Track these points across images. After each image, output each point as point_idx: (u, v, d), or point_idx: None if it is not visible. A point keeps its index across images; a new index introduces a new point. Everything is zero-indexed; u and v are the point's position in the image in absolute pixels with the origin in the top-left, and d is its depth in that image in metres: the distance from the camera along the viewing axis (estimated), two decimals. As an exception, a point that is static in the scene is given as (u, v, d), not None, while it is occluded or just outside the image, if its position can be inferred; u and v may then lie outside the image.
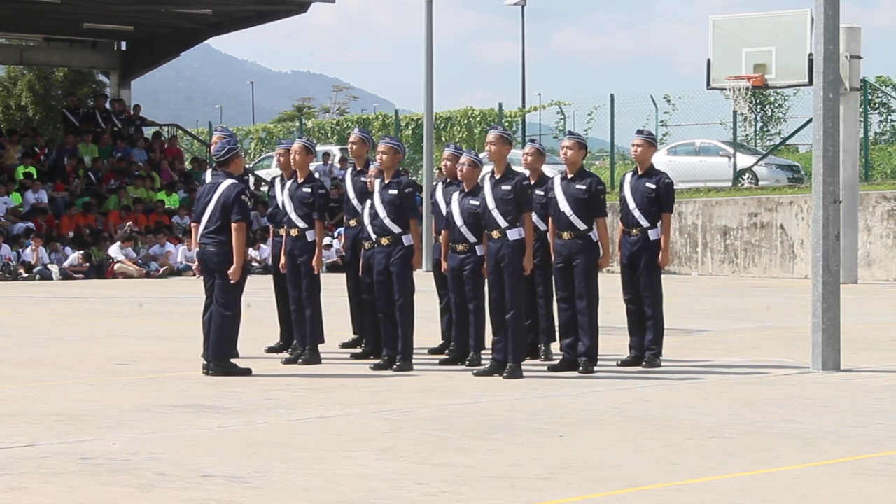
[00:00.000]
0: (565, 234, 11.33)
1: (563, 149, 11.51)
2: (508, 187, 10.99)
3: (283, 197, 12.19)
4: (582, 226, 11.27)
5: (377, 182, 11.65)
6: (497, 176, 11.11)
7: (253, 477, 6.93)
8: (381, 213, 11.48)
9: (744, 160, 31.61)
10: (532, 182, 11.59)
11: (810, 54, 23.34)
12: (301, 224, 11.97)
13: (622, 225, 11.81)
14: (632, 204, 11.68)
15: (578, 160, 11.46)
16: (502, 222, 10.98)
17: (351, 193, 12.56)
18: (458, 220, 11.32)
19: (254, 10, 34.88)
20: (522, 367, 10.96)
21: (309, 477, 6.95)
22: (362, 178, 12.30)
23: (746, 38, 26.37)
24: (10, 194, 29.90)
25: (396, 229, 11.47)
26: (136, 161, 33.82)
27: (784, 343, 13.78)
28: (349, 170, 12.87)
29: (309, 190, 11.99)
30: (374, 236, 11.57)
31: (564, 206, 11.32)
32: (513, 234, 10.96)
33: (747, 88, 26.80)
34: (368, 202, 11.71)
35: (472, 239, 11.28)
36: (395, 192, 11.49)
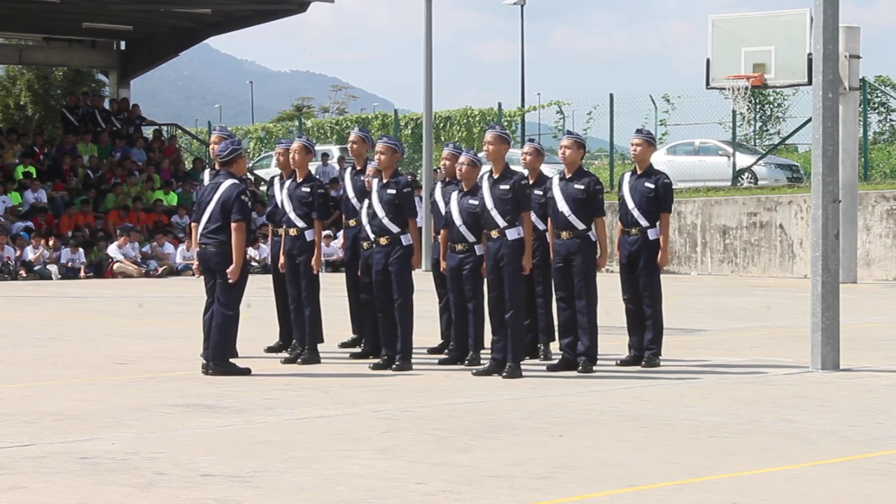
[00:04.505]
0: (564, 234, 11.32)
1: (561, 148, 11.51)
2: (507, 187, 10.99)
3: (282, 196, 12.19)
4: (581, 225, 11.27)
5: (375, 182, 11.64)
6: (495, 175, 11.11)
7: (252, 476, 6.93)
8: (380, 212, 11.48)
9: (743, 160, 31.59)
10: (531, 181, 11.58)
11: (809, 54, 23.35)
12: (300, 223, 11.97)
13: (621, 224, 11.81)
14: (631, 203, 11.68)
15: (577, 160, 11.46)
16: (501, 222, 10.98)
17: (350, 193, 12.55)
18: (457, 220, 11.31)
19: (253, 9, 34.85)
20: (521, 367, 10.96)
21: (308, 476, 6.95)
22: (361, 178, 12.30)
23: (745, 37, 26.37)
24: (9, 194, 29.90)
25: (395, 229, 11.46)
26: (135, 161, 33.82)
27: (783, 342, 13.78)
28: (348, 169, 12.87)
29: (308, 189, 11.98)
30: (372, 236, 11.56)
31: (563, 205, 11.32)
32: (512, 234, 10.96)
33: (746, 88, 26.80)
34: (367, 202, 11.70)
35: (470, 238, 11.28)
36: (394, 191, 11.48)
